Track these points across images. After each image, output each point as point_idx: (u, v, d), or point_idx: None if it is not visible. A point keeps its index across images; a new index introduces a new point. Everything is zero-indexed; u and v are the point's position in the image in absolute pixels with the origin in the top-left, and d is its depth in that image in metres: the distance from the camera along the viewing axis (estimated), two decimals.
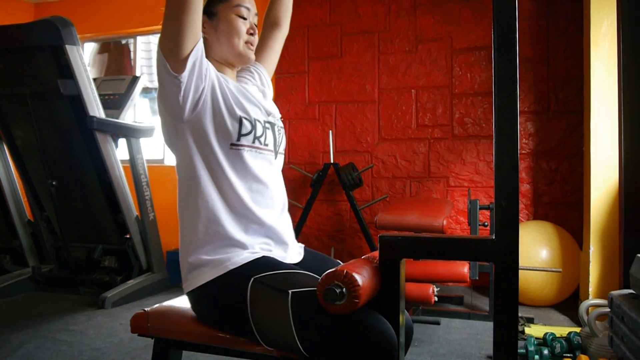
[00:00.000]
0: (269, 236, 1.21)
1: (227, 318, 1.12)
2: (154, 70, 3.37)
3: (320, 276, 1.12)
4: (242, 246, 1.15)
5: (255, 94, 1.30)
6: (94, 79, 3.18)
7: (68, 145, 3.18)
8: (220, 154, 1.16)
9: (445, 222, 2.43)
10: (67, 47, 2.86)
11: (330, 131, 3.78)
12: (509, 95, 0.93)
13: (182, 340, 1.20)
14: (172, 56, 1.08)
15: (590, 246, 2.66)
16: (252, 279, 1.09)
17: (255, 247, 1.17)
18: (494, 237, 0.95)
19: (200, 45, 1.12)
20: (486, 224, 2.93)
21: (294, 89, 4.05)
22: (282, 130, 1.32)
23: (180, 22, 1.06)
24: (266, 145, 1.23)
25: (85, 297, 3.20)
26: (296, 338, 1.02)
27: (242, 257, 1.13)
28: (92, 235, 3.38)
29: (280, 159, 1.30)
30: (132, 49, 4.67)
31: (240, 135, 1.17)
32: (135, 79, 3.52)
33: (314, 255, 1.36)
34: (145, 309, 1.25)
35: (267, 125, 1.25)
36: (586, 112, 2.79)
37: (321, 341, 1.00)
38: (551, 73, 3.47)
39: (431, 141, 3.72)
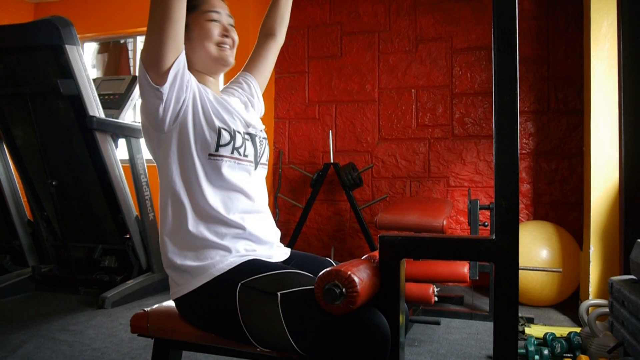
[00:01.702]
0: (250, 239, 1.20)
1: (219, 325, 1.11)
2: None
3: (309, 273, 1.12)
4: (226, 250, 1.15)
5: (237, 106, 1.29)
6: (94, 79, 3.18)
7: (68, 145, 3.18)
8: (198, 164, 1.16)
9: (445, 222, 2.43)
10: (67, 47, 2.86)
11: (330, 131, 3.78)
12: (509, 95, 0.93)
13: (182, 341, 1.20)
14: (153, 68, 1.09)
15: (590, 246, 2.65)
16: (240, 284, 1.08)
17: (240, 250, 1.16)
18: (494, 237, 0.95)
19: (182, 58, 1.12)
20: (486, 224, 2.93)
21: (294, 88, 4.05)
22: (265, 142, 1.31)
23: (162, 36, 1.07)
24: (246, 156, 1.22)
25: (85, 297, 3.19)
26: (290, 339, 1.01)
27: (227, 263, 1.13)
28: (92, 235, 3.38)
29: (262, 169, 1.29)
30: (131, 48, 4.67)
31: (218, 145, 1.16)
32: (134, 79, 3.51)
33: (300, 253, 1.36)
34: (145, 309, 1.25)
35: (247, 136, 1.24)
36: (586, 112, 2.79)
37: (316, 339, 1.00)
38: (551, 73, 3.47)
39: (431, 141, 3.72)
